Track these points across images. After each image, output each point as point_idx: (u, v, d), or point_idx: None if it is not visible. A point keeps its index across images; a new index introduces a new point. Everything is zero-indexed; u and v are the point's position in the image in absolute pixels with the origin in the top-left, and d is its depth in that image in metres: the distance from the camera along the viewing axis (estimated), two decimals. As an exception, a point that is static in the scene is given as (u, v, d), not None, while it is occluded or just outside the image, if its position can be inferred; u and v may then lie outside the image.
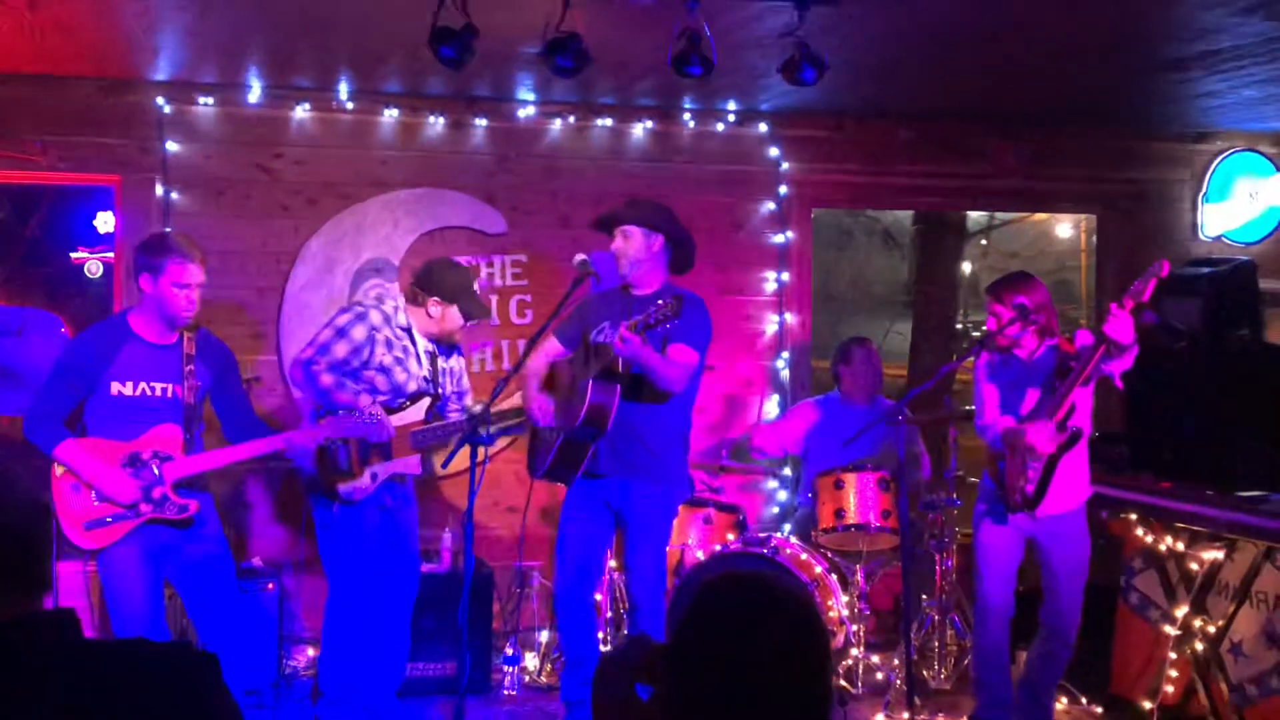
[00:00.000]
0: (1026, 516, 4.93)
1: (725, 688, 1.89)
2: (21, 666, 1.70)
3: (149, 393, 4.53)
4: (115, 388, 4.49)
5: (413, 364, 5.06)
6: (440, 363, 5.15)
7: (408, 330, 5.06)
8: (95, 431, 4.51)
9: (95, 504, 4.44)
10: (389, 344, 5.00)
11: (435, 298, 5.02)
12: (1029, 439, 4.83)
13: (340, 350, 4.93)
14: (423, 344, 5.09)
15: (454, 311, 5.03)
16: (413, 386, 5.04)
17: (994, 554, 5.08)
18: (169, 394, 4.56)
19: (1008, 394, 5.06)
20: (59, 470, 4.46)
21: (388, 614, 5.08)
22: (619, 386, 4.71)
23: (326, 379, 4.90)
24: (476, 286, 5.12)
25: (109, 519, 4.43)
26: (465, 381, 5.33)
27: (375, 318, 5.00)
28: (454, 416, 5.17)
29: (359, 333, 4.94)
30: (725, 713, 1.89)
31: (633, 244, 4.92)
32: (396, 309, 5.07)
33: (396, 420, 4.95)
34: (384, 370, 4.98)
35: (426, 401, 5.07)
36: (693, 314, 4.78)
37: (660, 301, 4.49)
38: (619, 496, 4.94)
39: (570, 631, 5.07)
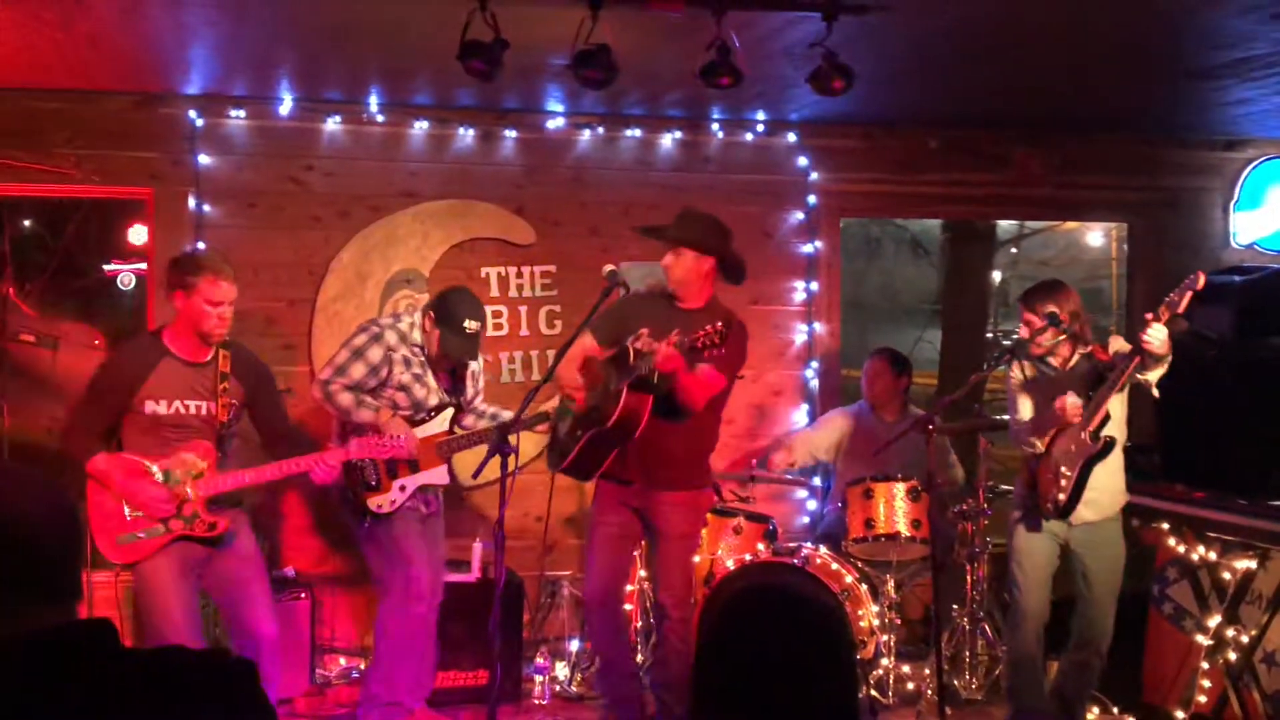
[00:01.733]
0: (1061, 523, 4.91)
1: (751, 698, 1.90)
2: (61, 676, 1.71)
3: (183, 410, 4.56)
4: (149, 406, 4.52)
5: (431, 379, 5.11)
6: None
7: (423, 346, 5.09)
8: (130, 447, 4.56)
9: (127, 519, 4.48)
10: (406, 362, 5.04)
11: (431, 315, 5.06)
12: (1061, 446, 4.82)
13: (356, 372, 4.98)
14: None
15: (436, 336, 5.03)
16: (433, 401, 5.11)
17: (1029, 560, 5.06)
18: (203, 411, 4.60)
19: (1042, 403, 5.03)
20: (93, 484, 4.50)
21: (425, 621, 5.12)
22: (652, 397, 4.70)
23: (344, 399, 4.96)
24: (472, 325, 4.97)
25: (140, 534, 4.48)
26: (481, 382, 5.39)
27: (391, 337, 5.03)
28: (469, 421, 5.25)
29: (374, 354, 4.99)
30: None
31: (684, 263, 4.84)
32: (413, 326, 5.10)
33: (420, 432, 5.00)
34: (403, 388, 5.04)
35: (450, 413, 5.13)
36: (734, 343, 4.63)
37: (709, 328, 4.36)
38: (647, 504, 4.95)
39: (603, 633, 5.09)
